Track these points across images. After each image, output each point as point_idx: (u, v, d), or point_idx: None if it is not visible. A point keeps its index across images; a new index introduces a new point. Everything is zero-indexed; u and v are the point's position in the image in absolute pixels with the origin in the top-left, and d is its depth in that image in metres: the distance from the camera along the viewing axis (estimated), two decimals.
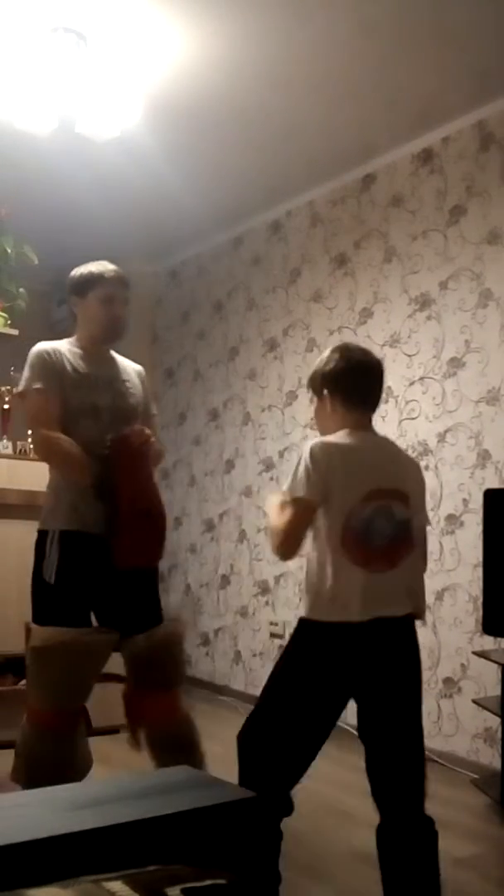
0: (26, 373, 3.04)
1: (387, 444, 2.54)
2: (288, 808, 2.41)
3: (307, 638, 2.40)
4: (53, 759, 2.90)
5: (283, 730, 2.40)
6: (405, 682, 2.40)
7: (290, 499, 2.32)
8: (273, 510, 2.40)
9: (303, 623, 2.41)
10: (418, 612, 2.46)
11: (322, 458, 2.31)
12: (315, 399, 2.56)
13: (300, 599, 5.08)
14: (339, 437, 2.40)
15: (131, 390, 3.15)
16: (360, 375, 2.47)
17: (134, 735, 3.04)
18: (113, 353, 3.23)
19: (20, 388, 3.07)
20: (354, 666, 2.34)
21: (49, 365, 3.01)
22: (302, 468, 2.31)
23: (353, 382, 2.46)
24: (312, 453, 2.31)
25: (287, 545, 2.36)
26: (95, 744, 4.00)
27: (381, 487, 2.35)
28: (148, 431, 3.00)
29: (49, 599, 2.99)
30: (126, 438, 2.92)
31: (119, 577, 2.95)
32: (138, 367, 3.31)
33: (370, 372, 2.51)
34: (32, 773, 2.89)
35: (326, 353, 2.53)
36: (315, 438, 2.42)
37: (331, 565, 2.31)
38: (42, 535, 3.04)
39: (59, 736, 2.94)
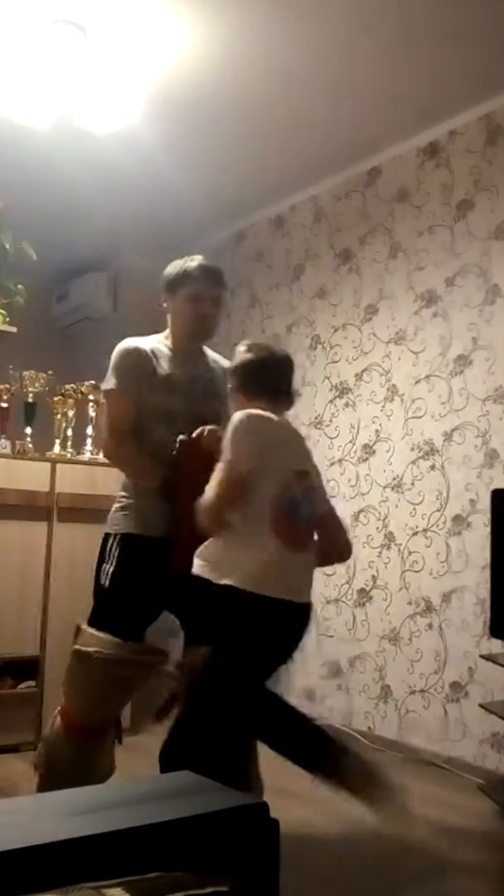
0: (110, 371, 3.06)
1: (296, 432, 2.76)
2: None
3: (240, 609, 2.48)
4: (72, 761, 2.92)
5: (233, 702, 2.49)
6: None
7: (224, 461, 2.45)
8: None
9: (228, 592, 2.46)
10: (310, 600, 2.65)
11: (256, 425, 2.50)
12: (230, 395, 2.78)
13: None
14: (262, 410, 2.57)
15: (216, 392, 3.10)
16: (264, 369, 2.68)
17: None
18: (205, 349, 3.24)
19: (103, 385, 3.12)
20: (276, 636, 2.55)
21: (130, 366, 3.03)
22: (234, 435, 2.47)
23: (258, 376, 2.65)
24: (247, 420, 2.49)
25: (219, 509, 2.47)
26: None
27: (300, 469, 2.54)
28: (219, 433, 2.84)
29: (103, 603, 2.99)
30: (193, 442, 2.87)
31: (182, 578, 2.78)
32: (226, 365, 3.16)
33: (275, 365, 2.71)
34: (52, 771, 2.94)
35: (237, 348, 2.75)
36: (244, 410, 2.55)
37: (255, 537, 2.44)
38: (106, 538, 3.04)
39: (86, 742, 2.95)
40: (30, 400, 4.60)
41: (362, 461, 4.81)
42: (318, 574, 4.98)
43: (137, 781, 2.01)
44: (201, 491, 2.71)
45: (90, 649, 2.88)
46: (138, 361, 3.03)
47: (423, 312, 4.53)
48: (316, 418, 5.17)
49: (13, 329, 4.66)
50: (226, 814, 1.68)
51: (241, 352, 2.72)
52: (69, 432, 4.62)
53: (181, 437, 2.89)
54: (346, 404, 4.96)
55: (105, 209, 5.73)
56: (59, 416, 4.63)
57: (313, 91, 4.27)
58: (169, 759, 2.50)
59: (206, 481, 2.70)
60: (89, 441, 4.67)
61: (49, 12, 3.61)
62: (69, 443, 4.60)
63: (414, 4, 3.59)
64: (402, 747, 4.33)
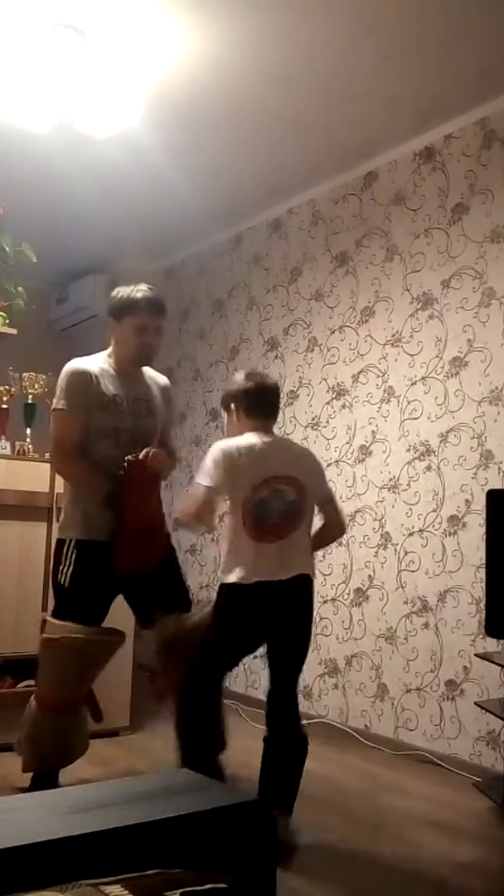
0: (57, 390, 3.35)
1: (282, 441, 3.27)
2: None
3: (225, 598, 3.04)
4: (51, 736, 3.34)
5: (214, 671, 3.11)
6: (295, 628, 3.10)
7: (197, 482, 2.99)
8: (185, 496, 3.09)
9: (220, 586, 3.05)
10: (311, 572, 3.16)
11: (224, 455, 2.98)
12: (225, 413, 3.24)
13: None
14: (240, 438, 3.07)
15: (153, 411, 3.46)
16: (261, 394, 3.16)
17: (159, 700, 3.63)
18: (144, 369, 3.53)
19: (53, 404, 3.38)
20: (258, 617, 3.03)
21: (78, 387, 3.31)
22: (209, 463, 2.98)
23: (256, 399, 3.14)
24: (216, 451, 3.00)
25: (191, 518, 3.05)
26: (96, 746, 3.99)
27: (274, 475, 3.00)
28: (163, 456, 3.31)
29: (64, 599, 3.38)
30: (141, 463, 3.24)
31: (132, 577, 3.34)
32: (164, 383, 3.62)
33: (267, 392, 3.19)
34: (32, 746, 3.36)
35: (235, 376, 3.26)
36: (220, 441, 3.08)
37: (236, 540, 3.00)
38: (60, 543, 3.40)
39: (58, 717, 3.36)
40: (30, 401, 4.62)
41: (359, 462, 4.84)
42: (317, 574, 5.03)
43: (136, 779, 2.02)
44: (146, 503, 3.28)
45: (57, 636, 3.29)
46: (85, 382, 3.31)
47: (419, 315, 4.56)
48: (313, 419, 5.20)
49: (13, 331, 4.68)
50: (223, 811, 1.69)
51: (241, 380, 3.18)
52: None
53: (128, 457, 3.25)
54: (343, 406, 4.99)
55: (104, 212, 5.75)
56: None
57: (311, 95, 4.29)
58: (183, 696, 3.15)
59: (148, 501, 3.29)
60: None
61: (49, 16, 3.62)
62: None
63: (410, 9, 3.61)
64: (399, 745, 4.37)
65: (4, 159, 4.75)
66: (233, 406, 3.17)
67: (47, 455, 4.52)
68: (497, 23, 3.66)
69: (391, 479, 4.63)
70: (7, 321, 4.66)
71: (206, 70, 4.08)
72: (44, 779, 3.38)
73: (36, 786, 3.38)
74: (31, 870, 1.38)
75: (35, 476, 4.36)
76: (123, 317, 3.37)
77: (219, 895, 1.31)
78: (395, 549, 4.54)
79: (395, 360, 4.67)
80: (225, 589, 3.02)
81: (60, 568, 3.35)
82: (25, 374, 4.64)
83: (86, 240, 6.36)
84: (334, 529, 3.32)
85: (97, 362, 3.39)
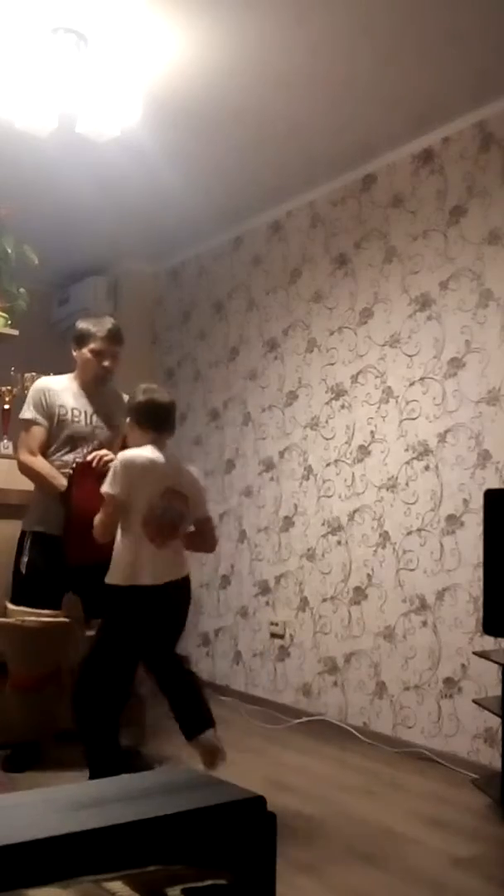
0: (26, 404, 3.95)
1: (172, 458, 3.43)
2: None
3: (117, 599, 3.31)
4: (24, 710, 3.81)
5: (112, 666, 3.36)
6: (180, 619, 3.48)
7: (104, 493, 3.26)
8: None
9: (111, 588, 3.31)
10: (187, 574, 3.44)
11: (125, 467, 3.25)
12: (127, 422, 3.49)
13: (300, 599, 5.10)
14: (140, 451, 3.34)
15: (112, 423, 3.96)
16: (152, 410, 3.42)
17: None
18: (109, 389, 4.05)
19: (21, 414, 3.97)
20: (148, 613, 3.31)
21: (44, 401, 3.92)
22: (112, 473, 3.26)
23: (147, 414, 3.41)
24: (121, 462, 3.27)
25: (105, 529, 3.31)
26: None
27: (169, 487, 3.31)
28: (109, 457, 3.62)
29: (22, 586, 3.89)
30: (86, 464, 3.71)
31: (80, 570, 3.70)
32: (121, 396, 4.05)
33: (160, 408, 3.44)
34: (7, 723, 3.79)
35: (136, 389, 3.49)
36: (122, 453, 3.36)
37: (134, 544, 3.27)
38: (22, 535, 3.93)
39: (25, 693, 3.82)
40: None
41: (358, 462, 4.87)
42: (316, 573, 5.07)
43: (136, 776, 2.04)
44: (88, 503, 3.50)
45: (10, 619, 3.78)
46: (51, 397, 3.92)
47: (418, 316, 4.59)
48: (312, 420, 5.23)
49: (15, 332, 4.71)
50: (223, 808, 1.70)
51: (138, 394, 3.46)
52: None
53: (77, 460, 3.79)
54: (342, 406, 5.02)
55: (105, 214, 5.77)
56: None
57: (310, 98, 4.31)
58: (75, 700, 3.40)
59: (93, 495, 3.45)
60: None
61: (50, 21, 3.63)
62: None
63: (409, 12, 3.62)
64: (397, 742, 4.40)
65: (6, 162, 4.77)
66: (129, 418, 3.48)
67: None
68: (495, 25, 3.67)
69: (390, 479, 4.65)
70: (9, 322, 4.69)
71: (205, 73, 4.10)
72: (15, 753, 3.83)
73: (8, 757, 3.82)
74: (33, 866, 1.38)
75: None
76: (83, 345, 3.93)
77: (219, 891, 1.32)
78: (394, 549, 4.57)
79: (394, 361, 4.70)
80: (134, 590, 3.28)
81: (20, 558, 3.88)
82: (27, 375, 4.67)
83: (87, 242, 6.38)
84: (206, 544, 3.63)
85: (63, 381, 4.01)
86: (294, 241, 5.56)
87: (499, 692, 3.78)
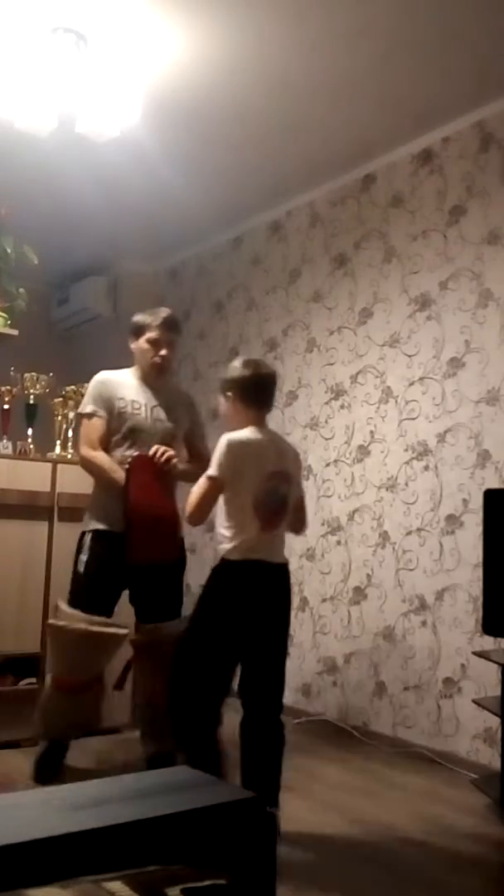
0: (85, 397, 3.79)
1: (277, 437, 3.30)
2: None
3: (221, 574, 3.11)
4: (60, 711, 3.61)
5: (213, 651, 3.08)
6: (282, 611, 3.18)
7: (206, 475, 3.07)
8: (195, 489, 3.10)
9: (220, 563, 3.11)
10: (285, 560, 3.22)
11: (232, 449, 3.05)
12: (223, 400, 3.27)
13: (299, 599, 5.09)
14: (245, 432, 3.12)
15: (174, 417, 3.79)
16: (258, 384, 3.21)
17: (118, 686, 3.71)
18: (166, 381, 3.89)
19: (79, 409, 3.85)
20: (249, 594, 3.08)
21: (103, 393, 3.72)
22: (217, 455, 3.06)
23: (252, 389, 3.19)
24: (227, 445, 3.06)
25: (200, 512, 3.09)
26: (95, 744, 4.03)
27: (274, 469, 3.11)
28: (171, 452, 3.57)
29: (78, 586, 3.68)
30: (145, 457, 3.55)
31: (138, 569, 3.57)
32: (186, 395, 4.06)
33: (266, 381, 3.25)
34: (43, 718, 3.65)
35: (234, 363, 3.30)
36: (228, 434, 3.10)
37: (241, 525, 3.06)
38: (81, 535, 3.73)
39: (69, 696, 3.60)
40: (31, 401, 4.65)
41: (357, 462, 4.87)
42: (316, 573, 5.06)
43: (137, 776, 2.04)
44: (150, 498, 3.49)
45: (61, 623, 3.58)
46: (110, 390, 3.73)
47: (417, 316, 4.59)
48: (312, 420, 5.23)
49: (15, 332, 4.69)
50: (223, 808, 1.70)
51: (238, 367, 3.25)
52: (70, 433, 4.67)
53: (135, 454, 3.59)
54: (342, 406, 5.02)
55: (105, 214, 5.77)
56: (59, 418, 4.67)
57: (309, 98, 4.31)
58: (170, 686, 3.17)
59: (152, 493, 3.48)
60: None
61: (49, 20, 3.64)
62: (70, 444, 4.65)
63: (408, 12, 3.63)
64: (397, 742, 4.40)
65: (6, 162, 4.78)
66: (230, 394, 3.23)
67: (49, 455, 4.57)
68: (494, 26, 3.68)
69: (389, 479, 4.66)
70: (8, 322, 4.67)
71: (205, 73, 4.10)
72: (52, 747, 3.68)
73: (44, 752, 3.67)
74: (33, 866, 1.38)
75: (36, 476, 4.39)
76: (140, 336, 3.76)
77: (218, 891, 1.32)
78: (394, 548, 4.57)
79: (394, 361, 4.70)
80: (229, 564, 3.08)
81: (79, 556, 3.68)
82: (27, 375, 4.67)
83: (86, 241, 6.39)
84: (300, 524, 3.42)
85: (122, 374, 3.81)
86: (294, 241, 5.56)
87: (498, 692, 3.77)
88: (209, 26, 3.76)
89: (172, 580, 3.76)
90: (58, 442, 4.63)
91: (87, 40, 3.76)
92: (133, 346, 3.80)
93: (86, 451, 3.68)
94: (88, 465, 3.70)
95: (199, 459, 3.73)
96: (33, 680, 4.30)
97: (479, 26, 3.69)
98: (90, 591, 3.63)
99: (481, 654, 3.77)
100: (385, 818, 3.38)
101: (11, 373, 4.73)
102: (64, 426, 4.66)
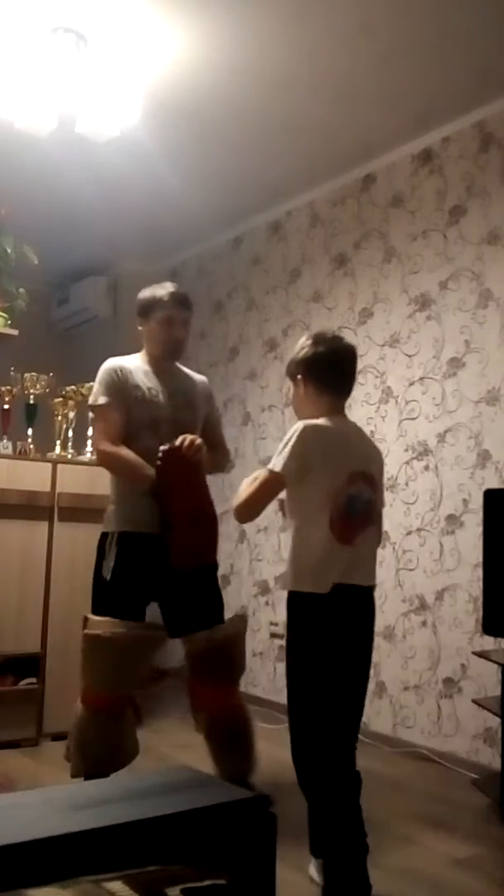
0: (95, 388, 3.35)
1: (358, 430, 2.76)
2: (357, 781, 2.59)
3: (304, 608, 2.56)
4: (99, 737, 3.17)
5: (326, 702, 2.54)
6: (369, 643, 2.68)
7: (268, 468, 2.55)
8: (246, 481, 2.65)
9: (295, 596, 2.58)
10: (374, 584, 2.69)
11: (308, 441, 2.51)
12: (291, 384, 2.75)
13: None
14: (325, 422, 2.58)
15: (192, 404, 3.46)
16: (330, 363, 2.65)
17: (196, 722, 3.36)
18: (179, 366, 3.55)
19: (90, 401, 3.38)
20: (336, 627, 2.54)
21: (115, 382, 3.32)
22: (286, 445, 2.53)
23: (324, 369, 2.64)
24: (302, 434, 2.51)
25: (249, 510, 2.63)
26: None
27: (357, 470, 2.58)
28: (199, 441, 3.21)
29: (105, 594, 3.27)
30: (177, 449, 3.16)
31: (178, 575, 3.23)
32: (202, 379, 3.65)
33: (342, 359, 2.69)
34: (81, 750, 3.19)
35: (302, 340, 2.72)
36: (305, 421, 2.57)
37: (316, 539, 2.52)
38: (103, 536, 3.34)
39: (107, 718, 3.19)
40: (31, 401, 4.65)
41: None
42: None
43: (137, 776, 2.05)
44: (188, 494, 3.17)
45: (97, 631, 3.17)
46: (121, 377, 3.33)
47: (417, 316, 4.59)
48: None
49: (15, 332, 4.69)
50: (223, 808, 1.70)
51: (309, 344, 2.68)
52: (70, 433, 4.67)
53: (163, 446, 3.17)
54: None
55: (105, 214, 5.78)
56: (59, 418, 4.68)
57: (309, 98, 4.31)
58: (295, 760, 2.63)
59: (190, 487, 3.13)
60: (90, 442, 4.73)
61: (49, 20, 3.65)
62: (70, 444, 4.66)
63: (408, 12, 3.63)
64: (397, 742, 4.40)
65: (6, 162, 4.78)
66: (299, 376, 2.69)
67: (49, 455, 4.57)
68: (494, 26, 3.68)
69: (389, 479, 4.65)
70: (8, 322, 4.67)
71: (205, 73, 4.10)
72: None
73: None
74: (33, 866, 1.38)
75: (36, 476, 4.39)
76: (150, 315, 3.40)
77: (218, 891, 1.32)
78: (394, 548, 4.57)
79: (394, 361, 4.70)
80: (307, 599, 2.56)
81: (103, 562, 3.30)
82: (27, 375, 4.67)
83: (86, 242, 6.39)
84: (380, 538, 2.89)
85: (133, 360, 3.44)
86: (294, 241, 5.56)
87: (498, 692, 3.78)
88: (209, 26, 3.76)
89: (210, 581, 3.41)
90: (58, 442, 4.63)
91: (87, 40, 3.76)
92: (142, 328, 3.46)
93: (105, 447, 3.29)
94: (110, 462, 3.32)
95: (219, 447, 3.53)
96: (33, 680, 4.30)
97: (479, 26, 3.69)
98: (118, 600, 3.23)
99: (481, 654, 3.77)
100: (385, 818, 3.37)
101: (11, 373, 4.73)
102: (64, 426, 4.66)
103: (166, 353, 3.44)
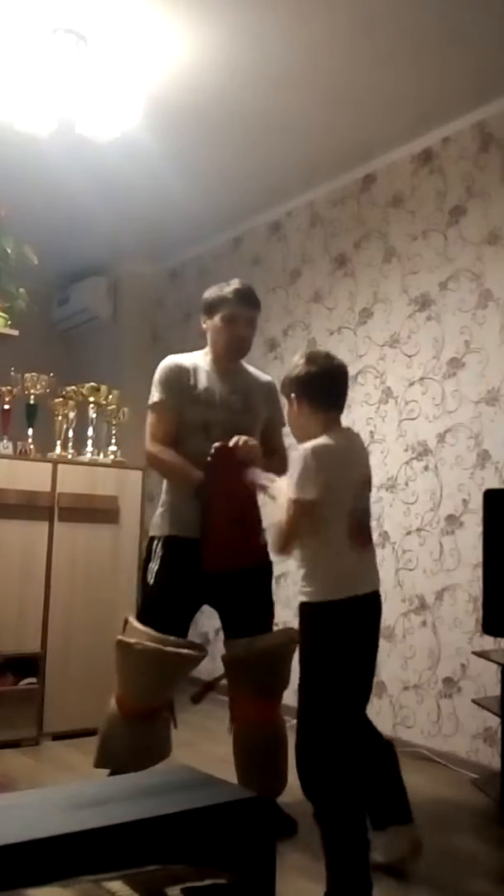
0: (153, 385, 3.28)
1: (357, 438, 2.83)
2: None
3: (325, 619, 2.60)
4: (125, 740, 3.14)
5: (339, 711, 2.61)
6: (377, 643, 2.75)
7: (294, 499, 2.54)
8: (279, 509, 2.60)
9: (315, 607, 2.61)
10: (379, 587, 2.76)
11: (322, 461, 2.54)
12: (287, 403, 2.81)
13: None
14: (327, 439, 2.63)
15: (251, 406, 3.32)
16: (323, 380, 2.72)
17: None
18: (244, 364, 3.44)
19: (150, 399, 3.29)
20: (362, 633, 2.64)
21: (172, 381, 3.25)
22: (305, 472, 2.53)
23: (319, 386, 2.71)
24: (315, 456, 2.54)
25: (289, 544, 2.61)
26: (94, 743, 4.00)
27: (363, 478, 2.72)
28: (254, 443, 3.10)
29: (149, 600, 3.22)
30: (228, 449, 3.06)
31: (217, 578, 3.14)
32: (266, 381, 3.48)
33: (336, 377, 2.76)
34: (104, 745, 3.18)
35: (295, 359, 2.80)
36: (310, 443, 2.60)
37: (337, 550, 2.59)
38: (151, 540, 3.29)
39: (139, 723, 3.15)
40: (31, 402, 4.65)
41: None
42: None
43: (138, 775, 2.05)
44: (233, 495, 3.02)
45: (131, 640, 3.10)
46: (179, 377, 3.25)
47: (417, 316, 4.59)
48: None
49: (15, 332, 4.69)
50: (224, 807, 1.70)
51: (302, 363, 2.75)
52: (70, 433, 4.67)
53: (216, 444, 3.08)
54: None
55: (105, 215, 5.77)
56: (59, 418, 4.67)
57: (309, 98, 4.31)
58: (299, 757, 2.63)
59: (238, 489, 2.94)
60: (90, 442, 4.74)
61: (50, 21, 3.64)
62: (70, 444, 4.66)
63: (408, 12, 3.63)
64: (397, 742, 4.37)
65: (6, 162, 4.78)
66: (293, 395, 2.76)
67: (49, 455, 4.57)
68: (495, 26, 3.68)
69: (389, 479, 4.65)
70: (9, 322, 4.68)
71: (205, 73, 4.10)
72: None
73: None
74: (33, 866, 1.38)
75: (36, 476, 4.40)
76: (215, 312, 3.33)
77: (219, 891, 1.32)
78: (394, 548, 4.57)
79: (393, 361, 4.70)
80: (350, 603, 2.61)
81: (149, 565, 3.24)
82: (27, 375, 4.67)
83: (87, 242, 6.39)
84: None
85: (193, 358, 3.36)
86: (294, 242, 5.56)
87: (498, 692, 3.77)
88: (209, 27, 3.76)
89: (260, 587, 3.33)
90: (58, 442, 4.64)
91: (87, 41, 3.76)
92: (205, 325, 3.37)
93: (154, 447, 3.22)
94: (156, 464, 3.27)
95: (276, 454, 3.34)
96: (33, 680, 4.30)
97: (479, 26, 3.69)
98: (162, 605, 3.16)
99: (481, 654, 3.77)
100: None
101: (12, 373, 4.73)
102: (64, 426, 4.66)
103: (230, 352, 3.34)
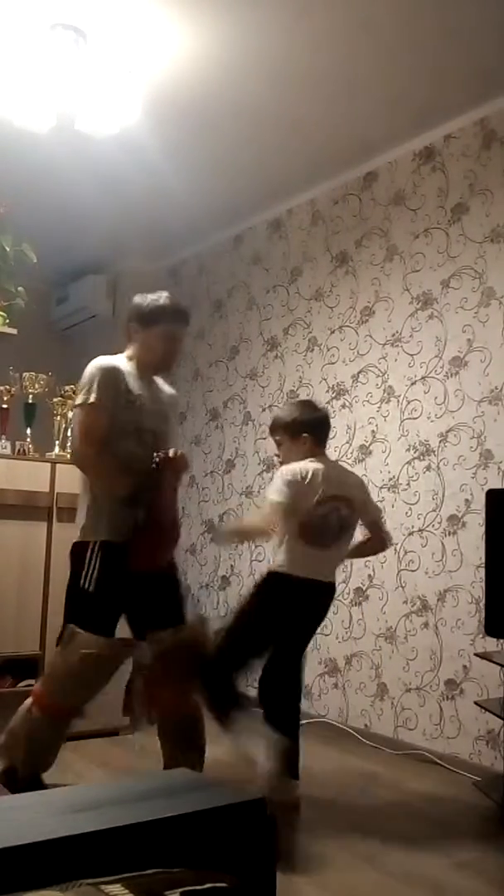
0: (86, 385, 3.26)
1: (333, 464, 3.66)
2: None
3: (269, 582, 3.47)
4: (50, 743, 3.31)
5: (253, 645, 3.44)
6: (316, 624, 3.63)
7: (270, 500, 3.42)
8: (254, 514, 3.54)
9: (269, 573, 3.50)
10: (334, 581, 3.61)
11: (286, 478, 3.39)
12: (287, 439, 3.56)
13: None
14: (304, 463, 3.45)
15: (166, 414, 3.50)
16: (324, 422, 3.65)
17: (148, 718, 3.48)
18: (156, 377, 3.53)
19: (78, 399, 3.28)
20: (289, 601, 3.43)
21: (108, 382, 3.25)
22: (278, 483, 3.39)
23: (320, 428, 3.61)
24: (284, 474, 3.41)
25: (262, 528, 3.60)
26: (95, 746, 4.00)
27: (329, 494, 3.41)
28: (181, 452, 3.37)
29: (87, 606, 3.26)
30: (173, 459, 3.30)
31: (142, 578, 3.26)
32: (174, 394, 3.68)
33: (321, 422, 3.64)
34: (32, 754, 3.26)
35: (294, 405, 3.76)
36: (287, 465, 3.46)
37: (291, 541, 3.41)
38: (83, 546, 3.29)
39: (61, 724, 3.32)
40: (30, 401, 4.63)
41: (359, 462, 4.84)
42: None
43: (136, 779, 2.03)
44: (172, 501, 3.36)
45: (93, 650, 3.17)
46: (116, 379, 3.28)
47: (419, 314, 4.57)
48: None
49: (13, 331, 4.68)
50: (223, 810, 1.69)
51: (308, 410, 3.64)
52: (69, 433, 4.65)
53: (159, 453, 3.29)
54: (343, 406, 5.00)
55: (104, 213, 5.76)
56: (58, 418, 4.66)
57: (310, 95, 4.29)
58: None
59: (173, 496, 3.37)
60: None
61: (49, 17, 3.63)
62: (69, 443, 4.64)
63: (410, 9, 3.61)
64: (398, 744, 4.37)
65: (4, 159, 4.76)
66: (305, 434, 3.52)
67: (48, 455, 4.55)
68: (497, 23, 3.66)
69: (391, 479, 4.63)
70: (7, 321, 4.66)
71: (205, 70, 4.08)
72: (33, 784, 3.26)
73: (18, 789, 3.20)
74: (31, 869, 1.37)
75: (35, 476, 4.37)
76: (151, 325, 3.37)
77: (218, 894, 1.31)
78: (395, 549, 4.54)
79: (395, 360, 4.68)
80: (277, 576, 3.42)
81: (84, 572, 3.23)
82: (26, 374, 4.65)
83: (86, 240, 6.37)
84: (377, 545, 3.80)
85: (121, 362, 3.36)
86: (294, 240, 5.54)
87: (501, 694, 3.76)
88: (210, 23, 3.74)
89: (177, 583, 3.51)
90: (57, 442, 4.62)
91: (86, 37, 3.74)
92: (138, 334, 3.40)
93: (87, 449, 3.24)
94: (92, 466, 3.28)
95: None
96: (32, 681, 4.26)
97: (482, 23, 3.67)
98: (101, 611, 3.25)
99: (483, 656, 3.75)
100: (386, 821, 3.36)
101: (10, 372, 4.71)
102: (63, 426, 4.65)
103: (161, 365, 3.45)
